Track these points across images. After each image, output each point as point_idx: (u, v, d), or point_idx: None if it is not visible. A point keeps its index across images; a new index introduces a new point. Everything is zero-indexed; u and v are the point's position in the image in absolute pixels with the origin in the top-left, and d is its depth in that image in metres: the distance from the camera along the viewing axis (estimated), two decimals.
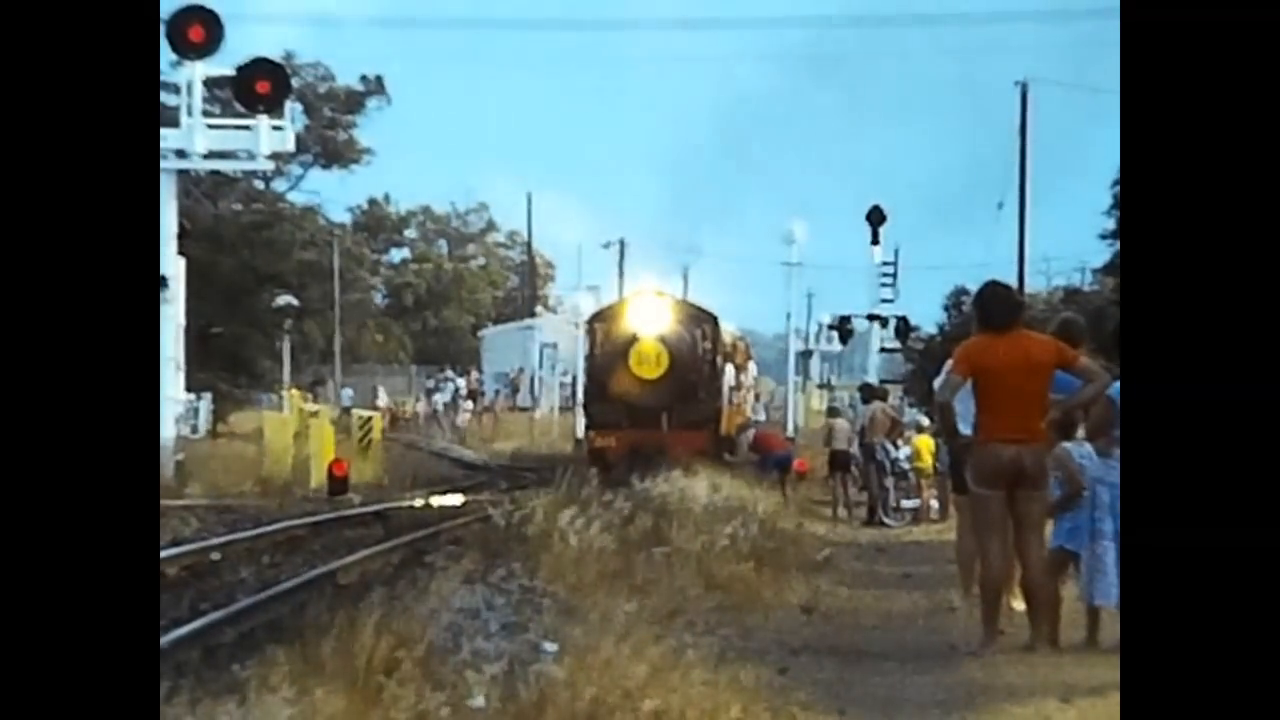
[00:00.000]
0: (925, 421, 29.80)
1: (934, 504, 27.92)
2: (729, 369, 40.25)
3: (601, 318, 40.10)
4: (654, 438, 34.49)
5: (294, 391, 48.00)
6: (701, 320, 38.94)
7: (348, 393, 59.13)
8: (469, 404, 68.49)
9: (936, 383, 13.17)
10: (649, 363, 36.46)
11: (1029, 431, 11.15)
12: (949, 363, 12.00)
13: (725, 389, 39.19)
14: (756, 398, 50.90)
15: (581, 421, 43.46)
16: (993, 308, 11.56)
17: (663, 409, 36.04)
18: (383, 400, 51.80)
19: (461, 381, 74.23)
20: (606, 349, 38.02)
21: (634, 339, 36.92)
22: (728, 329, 40.95)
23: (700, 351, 37.80)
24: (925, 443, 28.39)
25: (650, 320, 37.27)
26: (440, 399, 69.98)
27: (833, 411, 36.03)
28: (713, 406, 37.53)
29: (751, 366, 50.93)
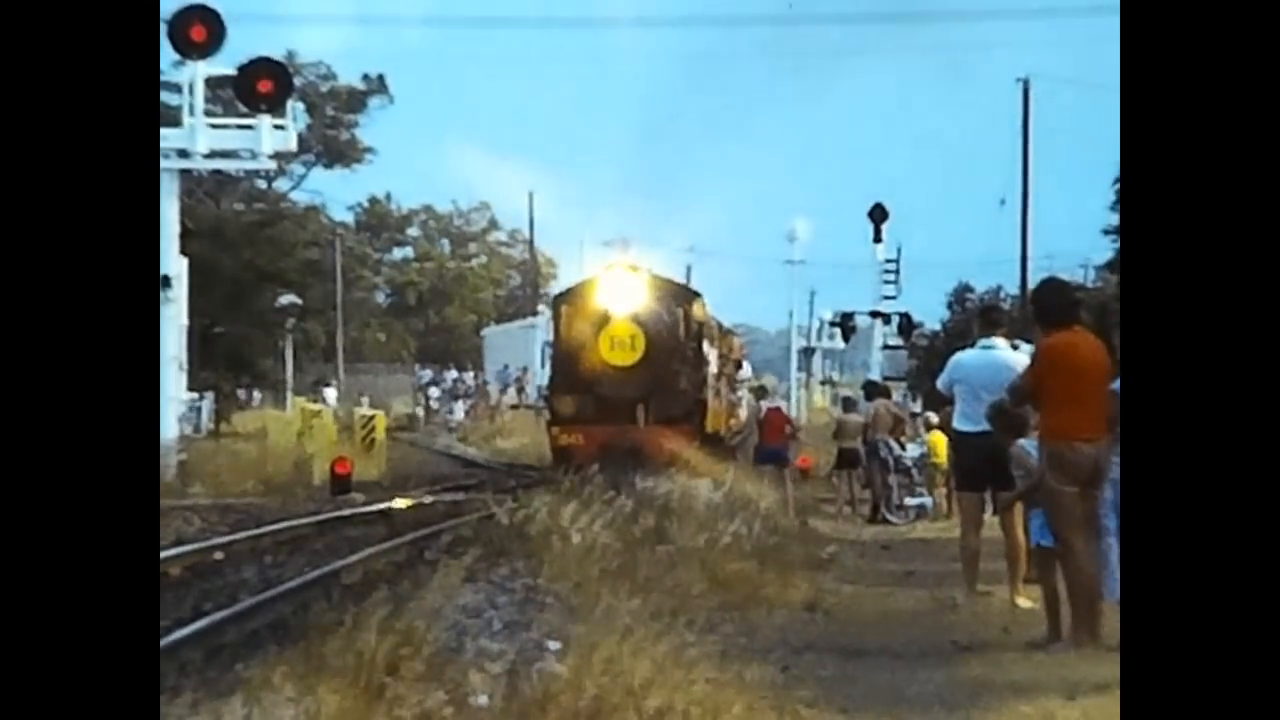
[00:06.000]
0: (934, 418, 29.75)
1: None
2: (715, 355, 35.91)
3: (568, 297, 34.54)
4: (628, 434, 30.55)
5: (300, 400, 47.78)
6: (683, 298, 34.16)
7: (331, 392, 58.38)
8: (483, 402, 68.50)
9: (1010, 384, 12.34)
10: (622, 347, 32.12)
11: (1104, 429, 11.05)
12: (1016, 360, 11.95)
13: (710, 378, 34.64)
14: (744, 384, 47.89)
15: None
16: (1055, 303, 11.55)
17: (638, 400, 31.72)
18: (332, 400, 50.09)
19: (453, 376, 74.28)
20: (574, 332, 33.03)
21: (605, 320, 32.33)
22: (705, 307, 35.62)
23: (682, 334, 33.04)
24: (941, 439, 28.32)
25: (624, 298, 32.55)
26: (435, 397, 70.06)
27: (848, 405, 33.08)
28: (696, 398, 33.05)
29: (746, 365, 50.17)
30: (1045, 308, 11.68)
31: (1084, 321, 11.53)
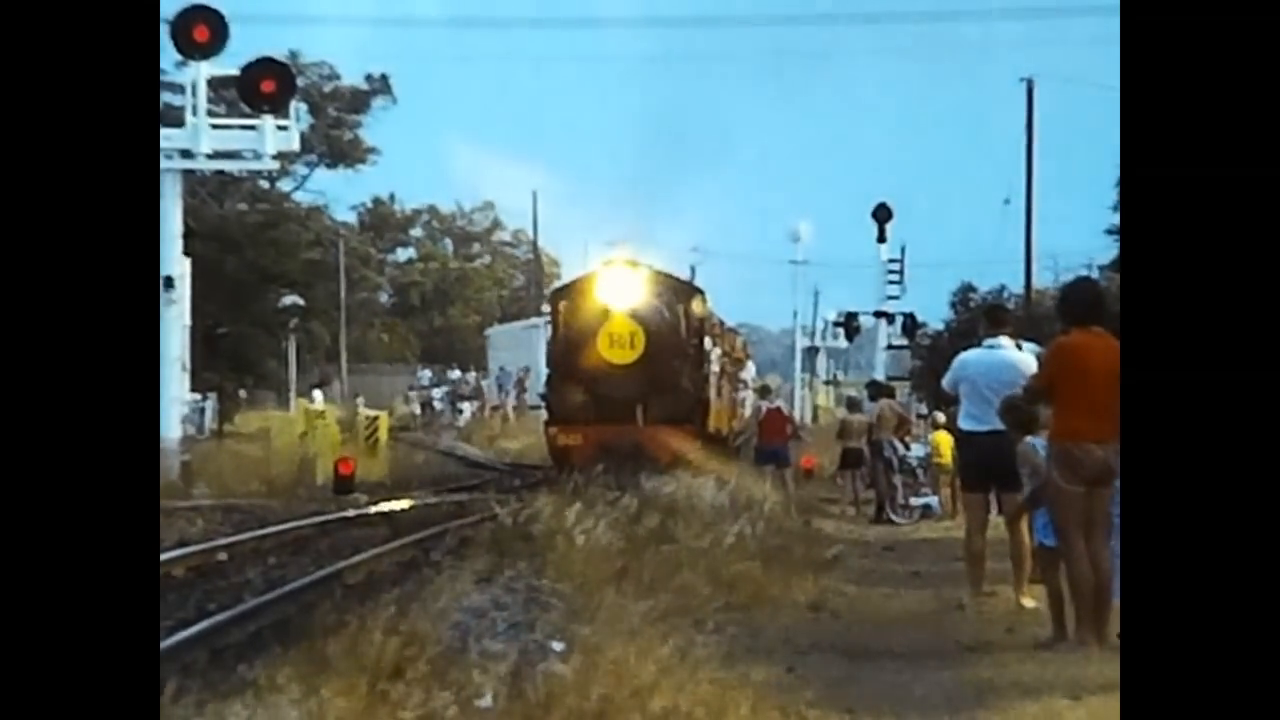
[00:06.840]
0: (942, 418, 29.73)
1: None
2: (716, 353, 35.06)
3: (566, 293, 33.69)
4: (628, 434, 29.79)
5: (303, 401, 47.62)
6: (683, 294, 33.20)
7: (318, 394, 57.82)
8: (489, 403, 68.44)
9: (1025, 380, 12.48)
10: (621, 344, 31.24)
11: (1115, 431, 11.00)
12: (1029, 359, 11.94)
13: (712, 376, 33.87)
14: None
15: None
16: (1078, 301, 11.57)
17: (638, 400, 30.88)
18: (319, 403, 49.73)
19: (454, 377, 74.27)
20: (572, 329, 32.08)
21: (604, 316, 31.45)
22: (706, 304, 34.43)
23: (683, 331, 32.18)
24: (945, 439, 28.28)
25: (623, 294, 31.66)
26: (438, 398, 70.03)
27: (852, 405, 32.82)
28: (697, 397, 32.30)
29: (750, 365, 49.92)
30: (1069, 305, 11.71)
31: (1105, 324, 11.51)
